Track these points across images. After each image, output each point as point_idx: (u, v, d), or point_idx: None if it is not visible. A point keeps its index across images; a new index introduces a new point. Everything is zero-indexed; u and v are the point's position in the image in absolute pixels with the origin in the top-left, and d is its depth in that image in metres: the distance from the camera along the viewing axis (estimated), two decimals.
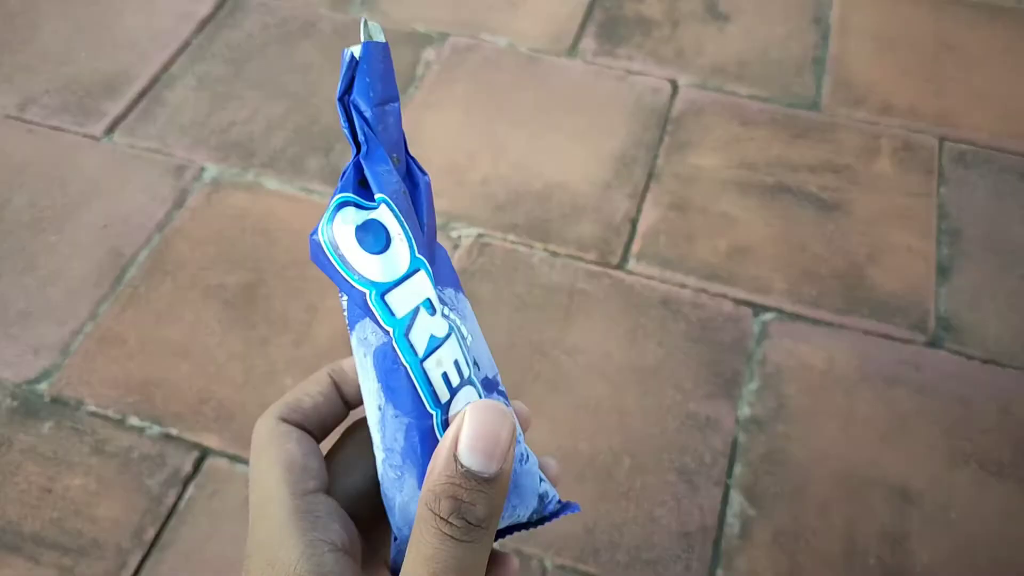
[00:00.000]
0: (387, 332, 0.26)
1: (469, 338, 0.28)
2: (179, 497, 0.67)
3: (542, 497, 0.28)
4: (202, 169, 0.88)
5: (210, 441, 0.70)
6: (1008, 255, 0.84)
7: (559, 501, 0.29)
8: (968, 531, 0.66)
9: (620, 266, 0.82)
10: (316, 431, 0.29)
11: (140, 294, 0.79)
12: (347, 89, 0.26)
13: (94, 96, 0.95)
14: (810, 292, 0.80)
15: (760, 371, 0.75)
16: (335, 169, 0.89)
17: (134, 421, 0.71)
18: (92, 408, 0.71)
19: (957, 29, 1.05)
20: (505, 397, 0.29)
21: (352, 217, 0.26)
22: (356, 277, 0.26)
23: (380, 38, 0.26)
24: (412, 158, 0.28)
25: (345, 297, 0.27)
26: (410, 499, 0.26)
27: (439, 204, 0.86)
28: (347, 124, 0.26)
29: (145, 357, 0.74)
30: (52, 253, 0.81)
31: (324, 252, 0.26)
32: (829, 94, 0.98)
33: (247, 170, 0.89)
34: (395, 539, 0.27)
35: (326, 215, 0.26)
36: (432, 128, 0.93)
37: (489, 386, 0.28)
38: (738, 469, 0.69)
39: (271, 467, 0.27)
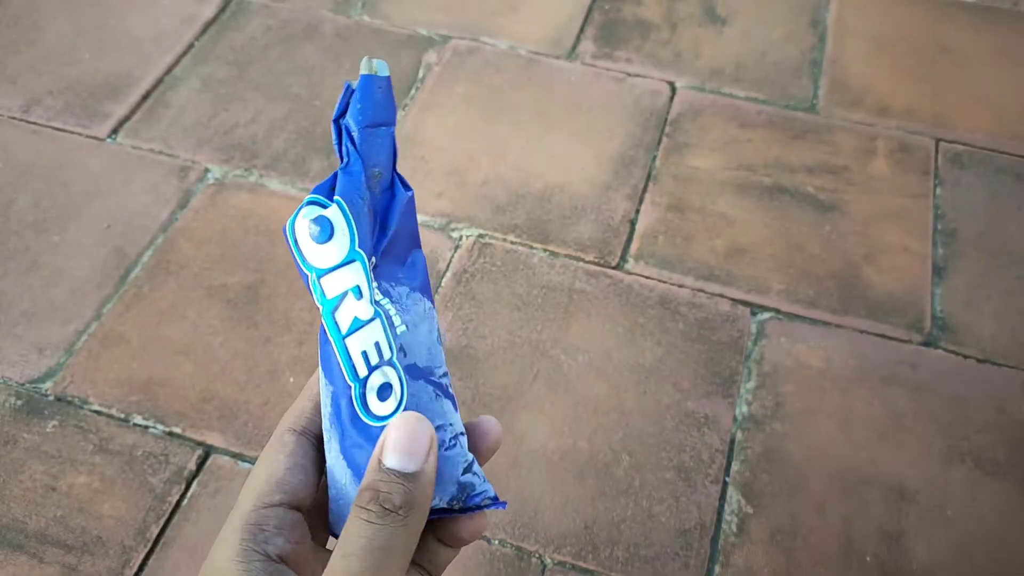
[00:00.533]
0: (318, 309, 0.31)
1: (401, 327, 0.31)
2: (182, 495, 0.67)
3: (465, 487, 0.31)
4: (205, 170, 0.89)
5: (213, 439, 0.70)
6: (1004, 255, 0.84)
7: (491, 496, 0.32)
8: (964, 529, 0.67)
9: (619, 266, 0.82)
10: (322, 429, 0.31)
11: (144, 294, 0.79)
12: (342, 113, 0.31)
13: (98, 97, 0.95)
14: (807, 292, 0.81)
15: (757, 370, 0.75)
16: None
17: (138, 419, 0.71)
18: (96, 407, 0.72)
19: (953, 31, 1.06)
20: (443, 389, 0.32)
21: (310, 212, 0.31)
22: (304, 262, 0.31)
23: (383, 73, 0.31)
24: (399, 175, 0.33)
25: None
26: (335, 461, 0.30)
27: (440, 205, 0.87)
28: (337, 141, 0.31)
29: (148, 356, 0.75)
30: (56, 253, 0.82)
31: (287, 240, 0.31)
32: (826, 96, 0.98)
33: (250, 171, 0.89)
34: (329, 497, 0.31)
35: (296, 211, 0.31)
36: (433, 130, 0.93)
37: (416, 374, 0.31)
38: (736, 467, 0.70)
39: (253, 477, 0.30)
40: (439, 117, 0.95)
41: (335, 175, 0.31)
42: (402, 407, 0.30)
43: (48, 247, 0.83)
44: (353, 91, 0.31)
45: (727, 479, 0.69)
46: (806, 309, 0.80)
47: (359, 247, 0.31)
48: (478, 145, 0.92)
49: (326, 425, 0.31)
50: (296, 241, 0.31)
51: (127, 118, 0.94)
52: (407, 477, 0.27)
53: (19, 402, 0.72)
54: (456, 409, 0.32)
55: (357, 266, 0.30)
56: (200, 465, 0.69)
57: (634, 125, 0.95)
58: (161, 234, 0.84)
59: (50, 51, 1.00)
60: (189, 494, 0.67)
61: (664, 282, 0.81)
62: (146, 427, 0.71)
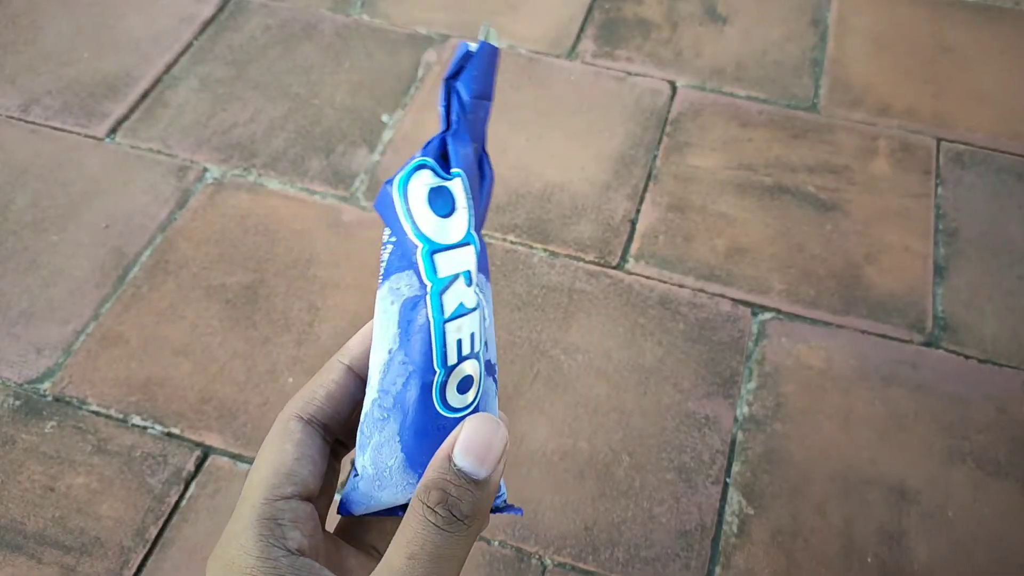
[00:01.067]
0: (425, 286, 0.28)
1: (488, 320, 0.30)
2: (181, 496, 0.67)
3: (499, 487, 0.30)
4: (204, 170, 0.89)
5: (212, 440, 0.70)
6: (1005, 255, 0.84)
7: (506, 500, 0.31)
8: (965, 529, 0.67)
9: (619, 266, 0.82)
10: (332, 419, 0.30)
11: (142, 294, 0.79)
12: (454, 75, 0.29)
13: (97, 97, 0.95)
14: (808, 292, 0.81)
15: (758, 370, 0.75)
16: (336, 170, 0.89)
17: (136, 420, 0.71)
18: (94, 407, 0.72)
19: (954, 30, 1.06)
20: (496, 386, 0.31)
21: (428, 179, 0.28)
22: (416, 230, 0.28)
23: (496, 43, 0.29)
24: (486, 154, 0.30)
25: (388, 249, 0.29)
26: (385, 442, 0.28)
27: None
28: (445, 103, 0.29)
29: (147, 356, 0.75)
30: (55, 253, 0.82)
31: (393, 201, 0.28)
32: (827, 95, 0.98)
33: (249, 171, 0.89)
34: (355, 475, 0.29)
35: (405, 170, 0.29)
36: (432, 129, 0.93)
37: (490, 370, 0.30)
38: (736, 468, 0.70)
39: (260, 467, 0.29)
40: (438, 116, 0.95)
41: (439, 140, 0.29)
42: (476, 403, 0.29)
43: (47, 247, 0.82)
44: (471, 56, 0.29)
45: (728, 480, 0.69)
46: (807, 309, 0.79)
47: (474, 230, 0.29)
48: None
49: (384, 403, 0.29)
50: (409, 207, 0.28)
51: (126, 118, 0.93)
52: (476, 484, 0.27)
53: (17, 402, 0.72)
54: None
55: (471, 250, 0.29)
56: (199, 466, 0.69)
57: (634, 124, 0.95)
58: (160, 234, 0.83)
59: (49, 50, 1.00)
60: (188, 495, 0.67)
61: (665, 282, 0.81)
62: (145, 428, 0.71)
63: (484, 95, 0.29)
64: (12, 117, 0.93)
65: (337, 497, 0.38)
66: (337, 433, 0.31)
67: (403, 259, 0.29)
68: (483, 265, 0.30)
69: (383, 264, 0.29)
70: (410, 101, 0.96)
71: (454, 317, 0.28)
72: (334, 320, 0.77)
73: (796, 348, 0.77)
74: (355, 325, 0.77)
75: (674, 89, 0.98)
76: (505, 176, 0.89)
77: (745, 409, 0.73)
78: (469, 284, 0.28)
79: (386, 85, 0.97)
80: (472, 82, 0.29)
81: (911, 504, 0.68)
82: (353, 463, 0.30)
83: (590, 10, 1.07)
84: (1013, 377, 0.75)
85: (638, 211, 0.87)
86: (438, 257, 0.28)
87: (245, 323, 0.77)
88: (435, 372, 0.28)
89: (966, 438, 0.72)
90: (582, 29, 1.05)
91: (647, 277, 0.81)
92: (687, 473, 0.69)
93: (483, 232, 0.34)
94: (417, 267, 0.28)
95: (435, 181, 0.28)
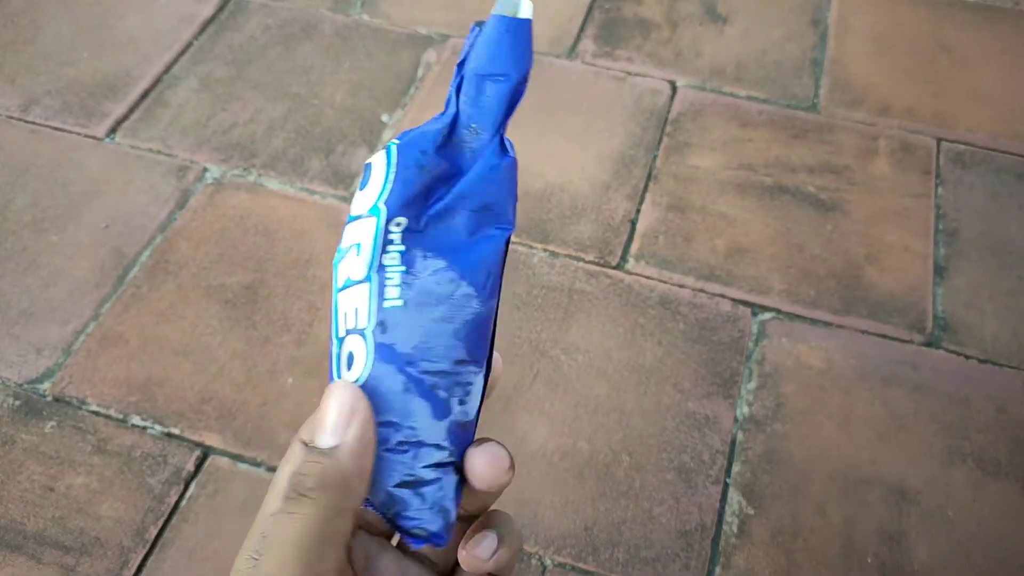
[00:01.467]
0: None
1: (396, 302, 0.27)
2: (181, 496, 0.67)
3: (396, 501, 0.28)
4: (204, 170, 0.89)
5: (212, 440, 0.70)
6: (1005, 255, 0.84)
7: (431, 531, 0.28)
8: (966, 530, 0.67)
9: (619, 266, 0.82)
10: None
11: (142, 294, 0.79)
12: (466, 56, 0.27)
13: (96, 97, 0.95)
14: (808, 292, 0.81)
15: (758, 371, 0.75)
16: (336, 170, 0.89)
17: (136, 420, 0.71)
18: (94, 407, 0.72)
19: (955, 30, 1.06)
20: (422, 386, 0.27)
21: (375, 156, 0.28)
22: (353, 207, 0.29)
23: (524, 15, 0.26)
24: (504, 138, 0.28)
25: None
26: None
27: None
28: (455, 87, 0.28)
29: (147, 356, 0.75)
30: (54, 253, 0.82)
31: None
32: (827, 95, 0.98)
33: (249, 171, 0.89)
34: None
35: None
36: None
37: (390, 358, 0.27)
38: (736, 468, 0.70)
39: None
40: None
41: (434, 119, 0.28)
42: (361, 383, 0.27)
43: (46, 247, 0.82)
44: (477, 33, 0.27)
45: (728, 480, 0.69)
46: (807, 309, 0.79)
47: (384, 202, 0.27)
48: None
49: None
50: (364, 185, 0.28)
51: (125, 117, 0.93)
52: (322, 454, 0.25)
53: (17, 403, 0.72)
54: (441, 419, 0.28)
55: (371, 222, 0.27)
56: (199, 466, 0.69)
57: (635, 124, 0.95)
58: (159, 234, 0.83)
59: (48, 50, 1.00)
60: (188, 495, 0.67)
61: (665, 282, 0.81)
62: (144, 428, 0.71)
63: (499, 72, 0.27)
64: (12, 117, 0.93)
65: None
66: None
67: None
68: (454, 255, 0.28)
69: None
70: (410, 101, 0.96)
71: (343, 288, 0.28)
72: None
73: (796, 348, 0.77)
74: None
75: (674, 89, 0.98)
76: None
77: (745, 409, 0.73)
78: (359, 255, 0.27)
79: (386, 85, 0.97)
80: (475, 60, 0.27)
81: (911, 504, 0.68)
82: None
83: (590, 10, 1.07)
84: (1013, 377, 0.75)
85: (638, 211, 0.87)
86: (347, 228, 0.28)
87: (245, 323, 0.77)
88: (333, 342, 0.28)
89: (966, 438, 0.72)
90: (582, 29, 1.05)
91: (647, 277, 0.81)
92: (687, 473, 0.69)
93: None
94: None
95: (370, 159, 0.28)
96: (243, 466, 0.69)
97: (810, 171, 0.91)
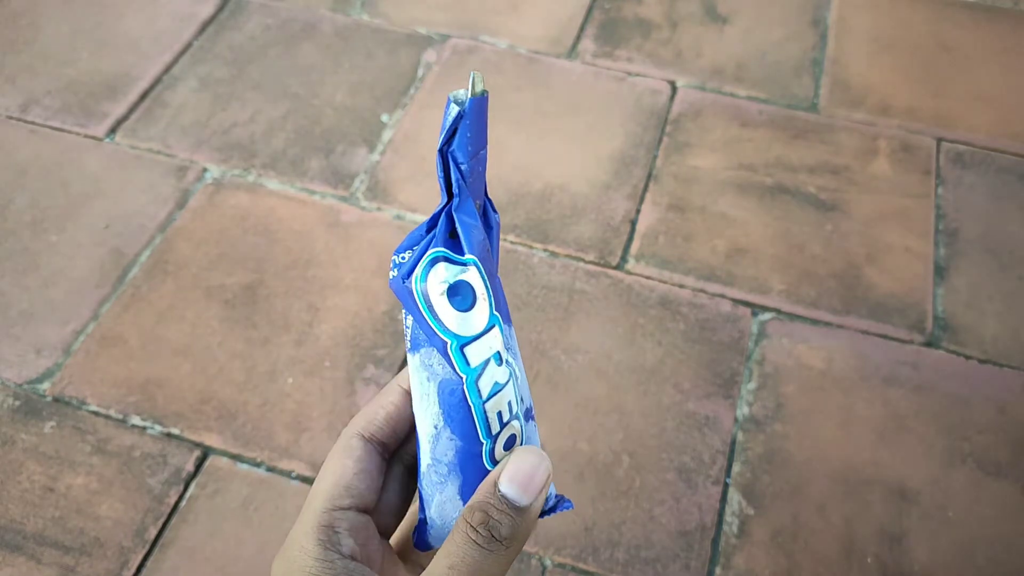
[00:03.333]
0: (460, 378, 0.30)
1: (520, 375, 0.31)
2: (180, 496, 0.67)
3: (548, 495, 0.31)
4: (204, 170, 0.89)
5: (211, 440, 0.70)
6: (1005, 255, 0.84)
7: (557, 496, 0.32)
8: (966, 530, 0.67)
9: (619, 266, 0.82)
10: (390, 438, 0.33)
11: (142, 294, 0.79)
12: (448, 141, 0.28)
13: (96, 97, 0.95)
14: (808, 292, 0.81)
15: (758, 371, 0.75)
16: (335, 170, 0.89)
17: (136, 420, 0.71)
18: (94, 408, 0.72)
19: (954, 30, 1.06)
20: (535, 423, 0.33)
21: (444, 274, 0.29)
22: (441, 328, 0.29)
23: (481, 87, 0.28)
24: (489, 200, 0.31)
25: (411, 318, 0.30)
26: (447, 500, 0.31)
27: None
28: (443, 174, 0.29)
29: (147, 357, 0.75)
30: (54, 253, 0.82)
31: (415, 300, 0.29)
32: (827, 95, 0.98)
33: (248, 171, 0.89)
34: (423, 522, 0.32)
35: (421, 266, 0.29)
36: (432, 130, 0.93)
37: (528, 415, 0.32)
38: (737, 468, 0.70)
39: (323, 479, 0.32)
40: (438, 116, 0.94)
41: (446, 216, 0.29)
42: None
43: (46, 247, 0.82)
44: (463, 116, 0.28)
45: (728, 480, 0.69)
46: (807, 309, 0.79)
47: (496, 310, 0.30)
48: None
49: (439, 470, 0.31)
50: (431, 305, 0.29)
51: (125, 118, 0.93)
52: (517, 510, 0.29)
53: (17, 403, 0.72)
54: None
55: (496, 331, 0.30)
56: (198, 466, 0.69)
57: (635, 124, 0.94)
58: (159, 234, 0.83)
59: (48, 51, 1.00)
60: (187, 495, 0.67)
61: (665, 282, 0.81)
62: (144, 428, 0.71)
63: (480, 147, 0.29)
64: (12, 117, 0.93)
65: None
66: (394, 449, 0.33)
67: (431, 339, 0.30)
68: (504, 313, 0.31)
69: (408, 332, 0.30)
70: (410, 101, 0.96)
71: (491, 396, 0.30)
72: (333, 320, 0.77)
73: (796, 348, 0.77)
74: (354, 325, 0.77)
75: (674, 89, 0.98)
76: (505, 176, 0.89)
77: (745, 409, 0.73)
78: (499, 363, 0.30)
79: (386, 85, 0.97)
80: (468, 144, 0.28)
81: (911, 505, 0.68)
82: (420, 511, 0.32)
83: (590, 10, 1.07)
84: (1013, 377, 0.75)
85: (638, 211, 0.87)
86: (468, 349, 0.29)
87: (245, 323, 0.77)
88: (482, 443, 0.30)
89: (966, 439, 0.72)
90: (582, 29, 1.05)
91: (647, 277, 0.81)
92: (687, 473, 0.69)
93: None
94: (449, 360, 0.29)
95: (451, 274, 0.29)
96: (243, 466, 0.69)
97: (810, 171, 0.91)
